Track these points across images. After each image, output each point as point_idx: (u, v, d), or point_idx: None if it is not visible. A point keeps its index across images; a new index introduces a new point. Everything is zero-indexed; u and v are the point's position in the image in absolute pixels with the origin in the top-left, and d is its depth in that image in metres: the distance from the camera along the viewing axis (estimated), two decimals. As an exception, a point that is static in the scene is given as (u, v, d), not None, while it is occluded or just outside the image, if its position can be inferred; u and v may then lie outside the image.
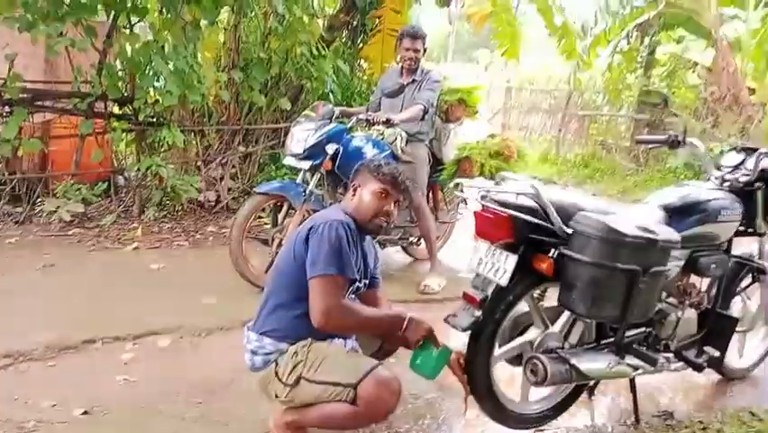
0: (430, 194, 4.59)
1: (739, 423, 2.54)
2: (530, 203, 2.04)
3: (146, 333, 3.14)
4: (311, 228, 1.92)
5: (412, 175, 4.10)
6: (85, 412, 2.39)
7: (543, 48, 10.82)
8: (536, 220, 2.01)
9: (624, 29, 9.46)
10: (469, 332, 2.12)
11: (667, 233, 2.01)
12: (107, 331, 3.10)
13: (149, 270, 4.15)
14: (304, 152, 3.68)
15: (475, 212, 2.12)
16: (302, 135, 3.70)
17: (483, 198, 2.06)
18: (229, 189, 5.83)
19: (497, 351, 2.18)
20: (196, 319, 3.32)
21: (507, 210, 2.00)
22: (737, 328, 2.62)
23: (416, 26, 4.51)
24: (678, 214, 2.42)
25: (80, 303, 3.47)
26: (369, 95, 6.20)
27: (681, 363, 2.48)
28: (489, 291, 2.08)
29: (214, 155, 5.80)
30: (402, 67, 4.17)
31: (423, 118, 4.03)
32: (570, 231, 2.01)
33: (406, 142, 4.14)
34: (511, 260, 2.01)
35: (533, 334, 2.23)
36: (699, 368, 2.41)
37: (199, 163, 5.70)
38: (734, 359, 2.91)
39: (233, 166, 5.86)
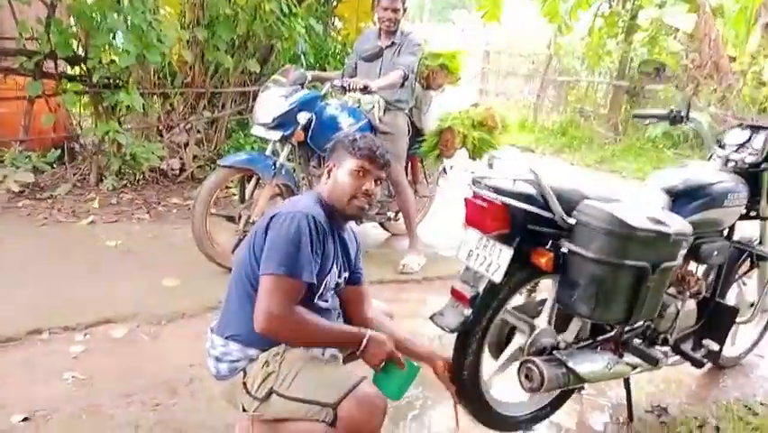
0: (409, 166, 4.33)
1: (735, 418, 2.42)
2: (528, 190, 1.81)
3: (99, 321, 2.86)
4: (273, 217, 1.67)
5: (391, 146, 3.82)
6: (25, 418, 2.13)
7: (522, 10, 10.46)
8: (535, 209, 1.78)
9: (606, -8, 9.19)
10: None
11: (680, 224, 1.81)
12: (55, 320, 2.81)
13: (105, 247, 3.83)
14: (273, 121, 3.37)
15: (466, 199, 1.88)
16: (271, 103, 3.38)
17: (475, 183, 1.82)
18: (194, 157, 5.48)
19: (492, 368, 1.98)
20: (156, 305, 3.05)
21: (502, 198, 1.76)
22: (737, 319, 2.46)
23: None
24: (681, 198, 2.23)
25: (26, 287, 3.15)
26: (344, 57, 5.85)
27: (678, 358, 2.32)
28: (481, 288, 1.86)
29: (178, 120, 5.41)
30: (380, 28, 3.84)
31: (402, 85, 3.74)
32: (572, 222, 1.79)
33: (385, 111, 3.86)
34: (506, 253, 1.78)
35: (520, 340, 2.03)
36: (698, 364, 2.26)
37: (161, 129, 5.31)
38: (726, 347, 2.78)
39: (199, 132, 5.48)
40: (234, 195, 4.15)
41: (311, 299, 1.69)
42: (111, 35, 4.53)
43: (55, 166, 5.15)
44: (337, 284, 1.85)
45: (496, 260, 1.81)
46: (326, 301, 1.79)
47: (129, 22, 4.36)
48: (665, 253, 1.78)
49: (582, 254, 1.72)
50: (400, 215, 4.12)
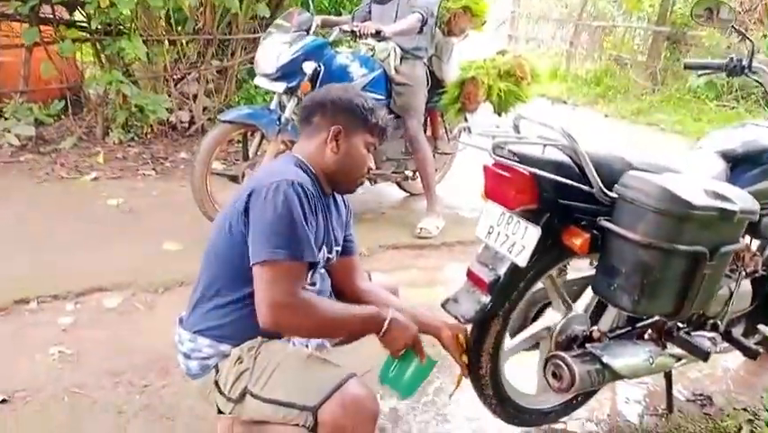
0: (428, 120, 4.00)
1: (789, 411, 2.15)
2: (561, 157, 1.50)
3: (92, 289, 2.67)
4: (251, 193, 1.37)
5: (408, 99, 3.55)
6: (3, 400, 1.96)
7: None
8: (569, 181, 1.48)
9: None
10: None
11: (745, 199, 1.49)
12: (46, 287, 2.63)
13: (106, 206, 3.64)
14: (276, 71, 3.07)
15: (485, 167, 1.58)
16: (274, 51, 3.07)
17: (497, 148, 1.51)
18: (204, 109, 5.22)
19: (508, 343, 1.72)
20: (154, 271, 2.85)
21: (529, 168, 1.46)
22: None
23: None
24: (741, 164, 1.90)
25: (17, 250, 2.98)
26: (360, 0, 5.45)
27: (728, 345, 2.03)
28: (502, 271, 1.58)
29: (186, 70, 5.12)
30: (397, -34, 3.45)
31: (421, 31, 3.38)
32: (614, 196, 1.49)
33: (401, 60, 3.52)
34: (533, 233, 1.50)
35: (552, 317, 1.77)
36: (752, 354, 1.97)
37: (169, 79, 5.03)
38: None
39: (208, 82, 5.19)
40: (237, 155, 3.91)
41: (300, 283, 1.43)
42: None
43: (62, 117, 4.95)
44: (328, 260, 1.58)
45: (520, 240, 1.52)
46: (314, 285, 1.54)
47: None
48: (727, 235, 1.48)
49: (626, 236, 1.42)
50: (418, 174, 3.82)
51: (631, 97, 8.60)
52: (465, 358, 1.68)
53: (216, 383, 1.44)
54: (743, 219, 1.48)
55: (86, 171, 4.19)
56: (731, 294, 1.95)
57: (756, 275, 2.09)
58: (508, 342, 1.75)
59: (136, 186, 4.04)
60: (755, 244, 2.14)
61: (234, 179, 3.20)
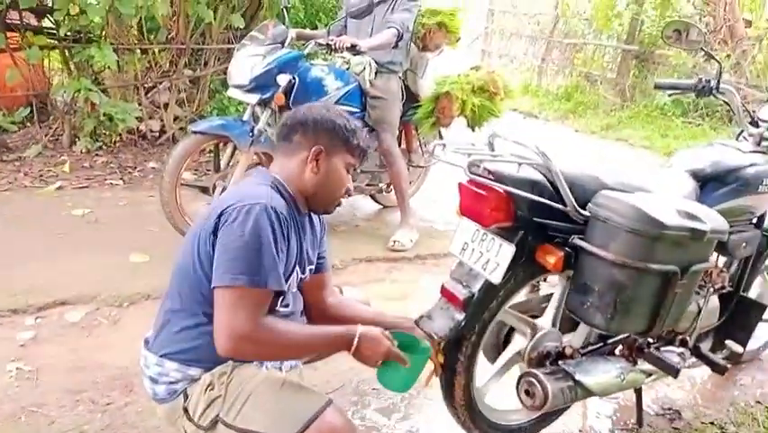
0: (402, 134, 4.00)
1: (755, 422, 2.18)
2: (536, 176, 1.51)
3: (53, 303, 2.59)
4: (222, 213, 1.33)
5: (382, 113, 3.54)
6: (-45, 421, 1.87)
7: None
8: (543, 200, 1.48)
9: (618, -51, 8.67)
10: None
11: (715, 219, 1.51)
12: (4, 301, 2.54)
13: (71, 217, 3.53)
14: (250, 82, 3.04)
15: (460, 184, 1.58)
16: (248, 62, 3.04)
17: (472, 166, 1.51)
18: (175, 118, 5.13)
19: (486, 377, 1.71)
20: (119, 284, 2.77)
21: (504, 186, 1.46)
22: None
23: None
24: (710, 183, 1.94)
25: (-24, 262, 2.88)
26: (335, 13, 5.44)
27: (696, 360, 2.06)
28: (476, 288, 1.58)
29: (158, 79, 5.04)
30: (373, -19, 3.46)
31: (396, 45, 3.39)
32: (588, 215, 1.49)
33: (376, 74, 3.51)
34: (507, 250, 1.50)
35: (521, 342, 1.77)
36: (720, 369, 2.00)
37: (140, 88, 4.94)
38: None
39: (180, 91, 5.12)
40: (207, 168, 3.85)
41: (272, 306, 1.40)
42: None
43: (27, 125, 4.82)
44: (301, 280, 1.55)
45: (494, 257, 1.52)
46: (287, 306, 1.50)
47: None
48: (698, 254, 1.50)
49: (599, 255, 1.43)
50: (392, 187, 3.81)
51: (600, 113, 8.76)
52: (441, 358, 1.65)
53: (185, 410, 1.38)
54: (713, 238, 1.50)
55: (51, 181, 4.07)
56: (699, 310, 1.98)
57: (723, 291, 2.13)
58: (486, 376, 1.74)
59: (103, 196, 3.94)
60: (722, 260, 2.19)
61: (205, 190, 3.15)
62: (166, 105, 5.04)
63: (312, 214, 1.58)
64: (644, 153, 6.92)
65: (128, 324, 2.54)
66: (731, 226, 1.94)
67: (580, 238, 1.49)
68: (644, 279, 1.43)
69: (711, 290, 2.03)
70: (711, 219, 1.49)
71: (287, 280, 1.40)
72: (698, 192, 1.88)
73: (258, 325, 1.28)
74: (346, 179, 1.51)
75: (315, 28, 5.50)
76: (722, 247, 1.95)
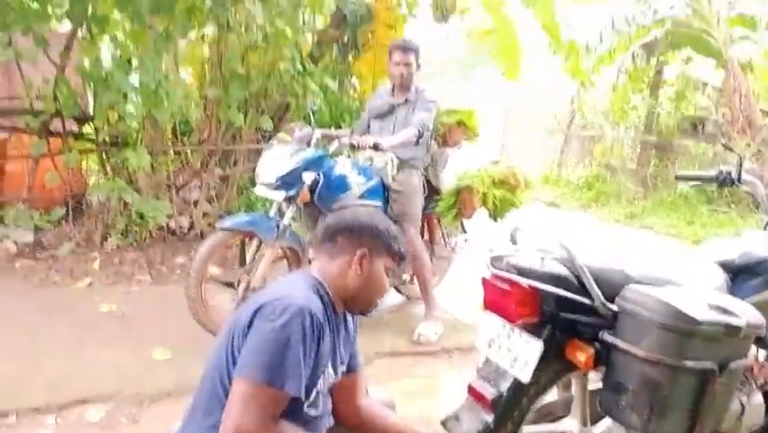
0: (425, 226, 4.04)
1: None
2: (560, 269, 1.50)
3: (74, 401, 2.56)
4: (259, 309, 1.35)
5: (404, 206, 3.60)
6: None
7: (544, 65, 10.36)
8: (569, 294, 1.46)
9: (629, 48, 9.04)
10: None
11: (751, 314, 1.47)
12: (28, 399, 2.53)
13: (98, 313, 3.57)
14: (276, 180, 3.14)
15: (484, 279, 1.57)
16: (274, 162, 3.16)
17: (495, 260, 1.51)
18: (204, 214, 5.27)
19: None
20: (141, 381, 2.75)
21: (529, 280, 1.45)
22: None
23: (408, 39, 4.01)
24: (742, 274, 1.89)
25: (3, 359, 2.89)
26: (360, 113, 5.69)
27: (743, 466, 1.92)
28: (504, 387, 1.53)
29: (189, 178, 5.24)
30: (393, 85, 3.65)
31: (417, 143, 3.50)
32: (616, 309, 1.46)
33: (398, 169, 3.60)
34: (535, 347, 1.46)
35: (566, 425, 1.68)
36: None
37: (171, 186, 5.14)
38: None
39: (210, 189, 5.30)
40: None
41: (299, 408, 1.37)
42: (122, 95, 4.41)
43: (62, 223, 5.00)
44: (333, 382, 1.53)
45: (522, 354, 1.48)
46: (316, 407, 1.46)
47: (138, 80, 4.24)
48: (735, 350, 1.44)
49: (631, 352, 1.38)
50: (416, 278, 3.80)
51: (623, 202, 8.77)
52: None
53: None
54: (749, 333, 1.45)
55: (81, 277, 4.16)
56: (743, 409, 1.87)
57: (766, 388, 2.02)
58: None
59: (130, 292, 4.00)
60: (763, 354, 2.10)
61: (230, 285, 3.17)
62: (196, 203, 5.21)
63: (347, 314, 1.59)
64: (671, 242, 6.83)
65: (148, 423, 2.49)
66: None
67: (610, 334, 1.45)
68: (679, 377, 1.37)
69: (754, 386, 1.93)
70: (746, 313, 1.44)
71: (316, 383, 1.39)
72: (729, 284, 1.83)
73: (266, 429, 1.26)
74: (386, 283, 1.55)
75: (340, 127, 5.74)
76: (761, 341, 1.88)
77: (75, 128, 4.82)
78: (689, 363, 1.35)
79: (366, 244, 1.51)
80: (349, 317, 1.62)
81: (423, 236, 3.96)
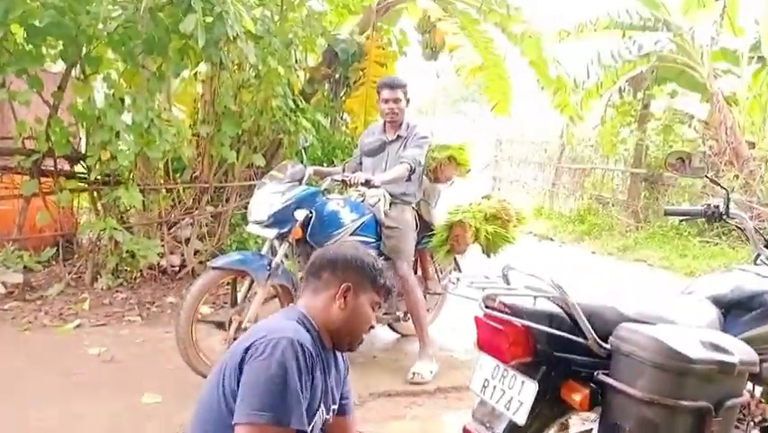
0: (418, 262, 4.03)
1: None
2: (553, 308, 1.49)
3: (59, 454, 2.49)
4: (249, 348, 1.33)
5: (398, 241, 3.59)
6: None
7: (532, 100, 10.54)
8: (563, 334, 1.45)
9: (615, 82, 9.22)
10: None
11: (744, 351, 1.46)
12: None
13: (86, 356, 3.51)
14: (268, 218, 3.13)
15: (477, 318, 1.56)
16: (266, 199, 3.16)
17: (488, 299, 1.50)
18: (196, 252, 5.24)
19: None
20: (130, 429, 2.68)
21: (522, 320, 1.44)
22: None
23: (395, 76, 4.07)
24: (734, 310, 1.89)
25: (-13, 408, 2.82)
26: (352, 149, 5.74)
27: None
28: (500, 430, 1.50)
29: (180, 215, 5.23)
30: (384, 122, 3.69)
31: (409, 178, 3.52)
32: (609, 347, 1.45)
33: (391, 205, 3.62)
34: (530, 388, 1.44)
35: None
36: None
37: (163, 224, 5.12)
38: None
39: (202, 226, 5.29)
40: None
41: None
42: (113, 133, 4.44)
43: (52, 264, 4.95)
44: (325, 421, 1.51)
45: (517, 395, 1.46)
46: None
47: (129, 119, 4.27)
48: (730, 388, 1.43)
49: (626, 392, 1.37)
50: (410, 315, 3.77)
51: (616, 234, 8.81)
52: None
53: None
54: (744, 371, 1.44)
55: (71, 319, 4.10)
56: (742, 447, 1.85)
57: (766, 424, 2.00)
58: None
59: (120, 333, 3.94)
60: (759, 391, 2.08)
61: (221, 325, 3.13)
62: (187, 240, 5.18)
63: (336, 351, 1.57)
64: (665, 274, 6.84)
65: (136, 472, 2.42)
66: (761, 355, 1.87)
67: (605, 373, 1.44)
68: (676, 417, 1.35)
69: (752, 423, 1.91)
70: (739, 350, 1.43)
71: (311, 420, 1.36)
72: (721, 320, 1.83)
73: None
74: (371, 317, 1.54)
75: (332, 164, 5.78)
76: (756, 378, 1.86)
77: (66, 167, 4.82)
78: (684, 403, 1.34)
79: (350, 278, 1.51)
80: (339, 356, 1.60)
81: (416, 272, 3.94)
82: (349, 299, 1.49)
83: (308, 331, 1.44)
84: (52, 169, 4.58)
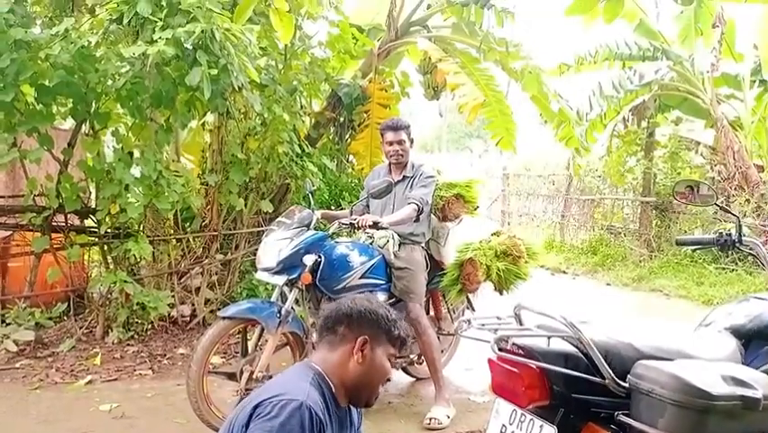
0: (430, 302, 3.99)
1: None
2: (568, 348, 1.45)
3: None
4: (256, 407, 1.31)
5: (408, 282, 3.56)
6: None
7: (537, 133, 10.60)
8: (579, 374, 1.41)
9: (619, 112, 9.26)
10: None
11: (766, 384, 1.40)
12: None
13: (97, 413, 3.46)
14: (277, 264, 3.12)
15: (490, 361, 1.52)
16: (275, 246, 3.16)
17: (501, 341, 1.47)
18: (206, 301, 5.23)
19: None
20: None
21: (536, 362, 1.40)
22: None
23: (397, 118, 4.11)
24: (755, 340, 1.83)
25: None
26: (359, 191, 5.77)
27: None
28: (520, 479, 1.44)
29: (190, 265, 5.24)
30: (390, 163, 3.71)
31: (417, 219, 3.51)
32: (628, 386, 1.40)
33: (400, 245, 3.60)
34: (548, 433, 1.39)
35: None
36: None
37: (172, 275, 5.12)
38: None
39: (212, 275, 5.28)
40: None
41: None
42: (123, 187, 4.49)
43: (64, 319, 4.94)
44: None
45: (536, 441, 1.41)
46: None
47: (138, 172, 4.33)
48: (756, 424, 1.37)
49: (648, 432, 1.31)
50: (423, 358, 3.70)
51: (630, 264, 8.70)
52: None
53: None
54: (770, 406, 1.38)
55: (82, 375, 4.06)
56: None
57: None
58: None
59: (131, 388, 3.89)
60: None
61: (232, 376, 3.09)
62: (197, 290, 5.17)
63: (350, 407, 1.54)
64: (682, 303, 6.72)
65: None
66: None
67: (625, 414, 1.38)
68: (703, 457, 1.30)
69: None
70: (763, 384, 1.38)
71: None
72: (742, 351, 1.77)
73: None
74: (389, 370, 1.52)
75: (340, 206, 5.80)
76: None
77: (77, 222, 4.86)
78: (711, 443, 1.28)
79: (366, 331, 1.50)
80: (353, 410, 1.56)
81: (428, 313, 3.89)
82: (366, 352, 1.48)
83: (321, 391, 1.42)
84: (63, 224, 4.62)
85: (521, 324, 1.58)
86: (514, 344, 1.45)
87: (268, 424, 1.26)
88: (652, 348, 1.51)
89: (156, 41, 3.65)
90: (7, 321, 4.45)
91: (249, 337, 3.24)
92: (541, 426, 1.41)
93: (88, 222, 4.96)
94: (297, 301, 3.29)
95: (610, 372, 1.41)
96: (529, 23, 8.22)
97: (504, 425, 1.50)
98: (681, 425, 1.29)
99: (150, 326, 4.89)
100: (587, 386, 1.42)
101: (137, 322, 4.90)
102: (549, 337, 1.45)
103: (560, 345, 1.46)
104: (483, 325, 1.53)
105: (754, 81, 8.92)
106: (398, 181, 3.64)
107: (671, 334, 1.72)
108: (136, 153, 4.49)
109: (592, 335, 1.46)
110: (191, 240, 5.29)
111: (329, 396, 1.42)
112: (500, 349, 1.47)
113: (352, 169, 6.75)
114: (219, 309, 5.10)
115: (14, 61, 3.70)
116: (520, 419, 1.46)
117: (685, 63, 8.72)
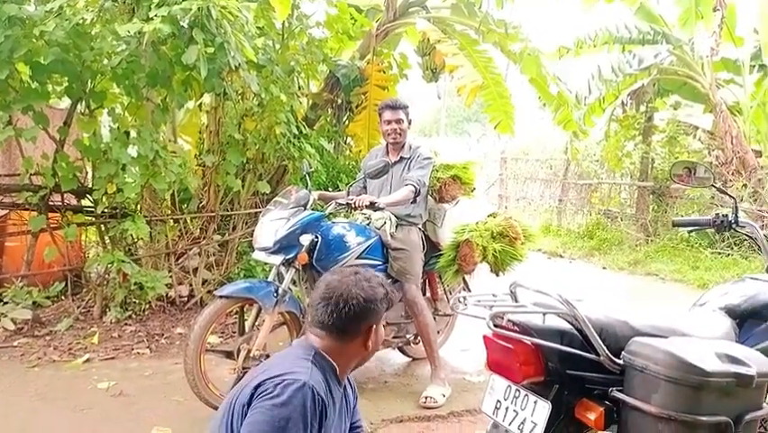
0: (426, 283, 4.00)
1: None
2: (563, 325, 1.46)
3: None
4: (258, 386, 1.32)
5: (404, 264, 3.57)
6: None
7: (535, 118, 10.56)
8: (574, 350, 1.41)
9: (618, 96, 9.23)
10: None
11: (762, 362, 1.42)
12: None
13: (95, 390, 3.48)
14: (274, 245, 3.12)
15: (486, 337, 1.53)
16: (271, 226, 3.15)
17: (496, 318, 1.47)
18: (204, 282, 5.23)
19: None
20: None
21: (531, 338, 1.41)
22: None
23: (396, 98, 4.08)
24: (749, 320, 1.85)
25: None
26: (356, 173, 5.76)
27: None
28: (514, 453, 1.45)
29: (188, 245, 5.23)
30: (387, 144, 3.70)
31: (414, 200, 3.51)
32: (622, 363, 1.42)
33: (397, 227, 3.60)
34: (542, 408, 1.40)
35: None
36: None
37: (170, 255, 5.12)
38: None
39: (209, 255, 5.28)
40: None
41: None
42: (120, 166, 4.47)
43: (61, 298, 4.95)
44: None
45: (530, 416, 1.42)
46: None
47: (135, 152, 4.30)
48: (749, 401, 1.38)
49: (642, 409, 1.32)
50: (420, 338, 3.73)
51: (626, 249, 8.74)
52: None
53: None
54: (762, 383, 1.39)
55: (80, 354, 4.07)
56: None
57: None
58: None
59: (129, 366, 3.90)
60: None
61: (230, 355, 3.10)
62: (195, 270, 5.18)
63: (347, 384, 1.58)
64: (677, 287, 6.76)
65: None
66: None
67: (619, 390, 1.40)
68: (694, 432, 1.31)
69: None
70: (757, 362, 1.39)
71: None
72: (736, 330, 1.79)
73: None
74: (383, 334, 1.61)
75: (337, 188, 5.79)
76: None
77: (73, 201, 4.85)
78: (702, 419, 1.30)
79: (371, 319, 1.53)
80: (349, 387, 1.58)
81: (424, 294, 3.91)
82: (372, 336, 1.53)
83: (324, 371, 1.43)
84: (60, 204, 4.61)
85: (516, 301, 1.58)
86: (509, 320, 1.46)
87: (269, 402, 1.26)
88: (646, 326, 1.52)
89: (152, 18, 3.61)
90: (5, 300, 4.44)
91: (246, 317, 3.25)
92: (535, 401, 1.42)
93: (85, 201, 4.95)
94: (293, 281, 3.29)
95: (605, 348, 1.42)
96: (529, 5, 8.16)
97: (499, 400, 1.51)
98: (675, 401, 1.30)
99: (147, 306, 4.90)
100: (581, 363, 1.43)
101: (135, 302, 4.91)
102: (544, 314, 1.46)
103: (555, 322, 1.46)
104: (479, 302, 1.53)
105: (754, 66, 8.90)
106: (396, 162, 3.63)
107: (665, 313, 1.74)
108: (133, 133, 4.46)
109: (587, 312, 1.47)
110: (188, 221, 5.28)
111: (331, 375, 1.43)
112: (496, 325, 1.47)
113: (350, 151, 6.73)
114: (216, 289, 5.15)
115: (8, 38, 3.66)
116: (515, 394, 1.47)
117: (685, 47, 8.69)
